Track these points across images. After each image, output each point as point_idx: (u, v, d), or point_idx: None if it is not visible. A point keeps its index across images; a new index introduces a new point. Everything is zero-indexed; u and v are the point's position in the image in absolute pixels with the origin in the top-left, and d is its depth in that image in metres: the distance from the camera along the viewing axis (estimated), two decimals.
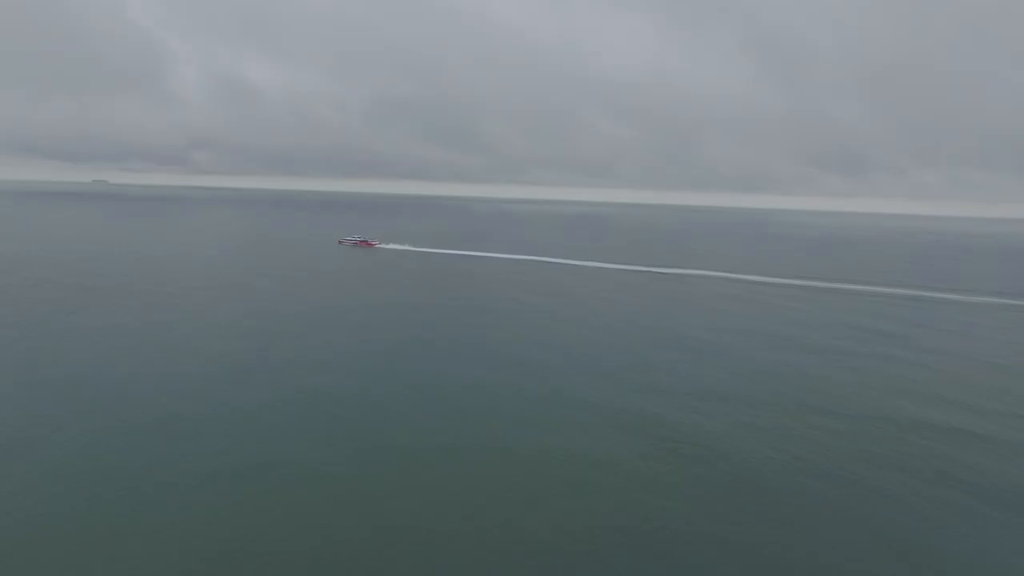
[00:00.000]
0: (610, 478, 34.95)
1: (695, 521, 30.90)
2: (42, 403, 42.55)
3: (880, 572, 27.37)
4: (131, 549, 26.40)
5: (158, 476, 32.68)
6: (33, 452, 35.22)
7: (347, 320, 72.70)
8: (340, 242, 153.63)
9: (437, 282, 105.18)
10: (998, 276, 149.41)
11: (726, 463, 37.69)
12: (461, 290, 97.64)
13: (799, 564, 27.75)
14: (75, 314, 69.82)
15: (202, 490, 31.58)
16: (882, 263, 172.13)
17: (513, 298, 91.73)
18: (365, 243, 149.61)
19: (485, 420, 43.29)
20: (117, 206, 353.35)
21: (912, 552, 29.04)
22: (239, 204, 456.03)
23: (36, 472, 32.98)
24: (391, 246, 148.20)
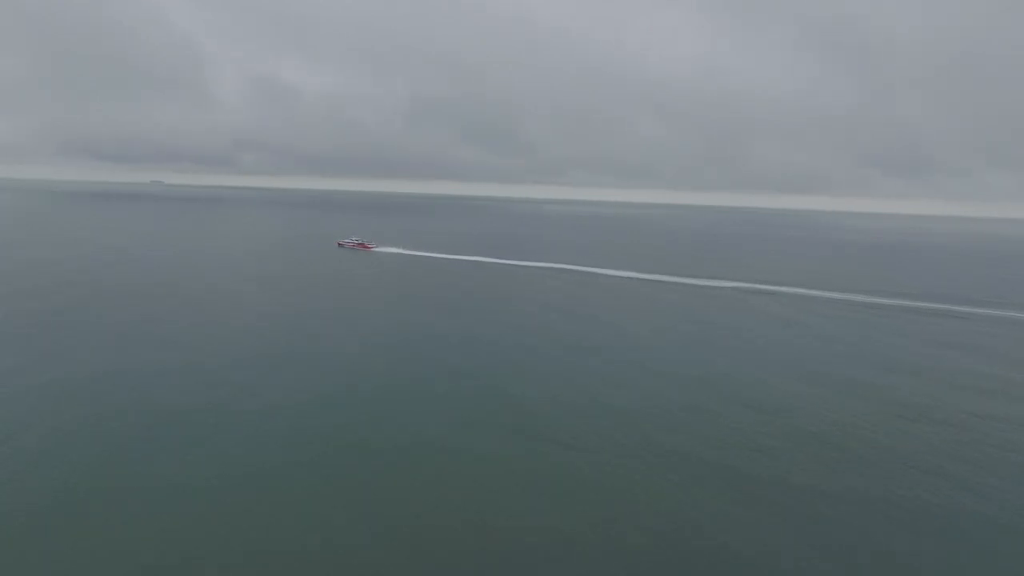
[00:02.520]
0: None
1: None
2: (42, 403, 43.30)
3: None
4: (128, 549, 26.90)
5: (159, 477, 33.12)
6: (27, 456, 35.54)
7: (308, 334, 62.99)
8: (340, 244, 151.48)
9: (426, 290, 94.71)
10: None
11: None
12: (448, 301, 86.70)
13: None
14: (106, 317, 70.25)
15: (198, 491, 31.80)
16: (951, 274, 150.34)
17: (505, 314, 79.98)
18: (362, 246, 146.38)
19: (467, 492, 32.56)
20: (176, 207, 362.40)
21: None
22: (276, 206, 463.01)
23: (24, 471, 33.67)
24: (387, 249, 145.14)
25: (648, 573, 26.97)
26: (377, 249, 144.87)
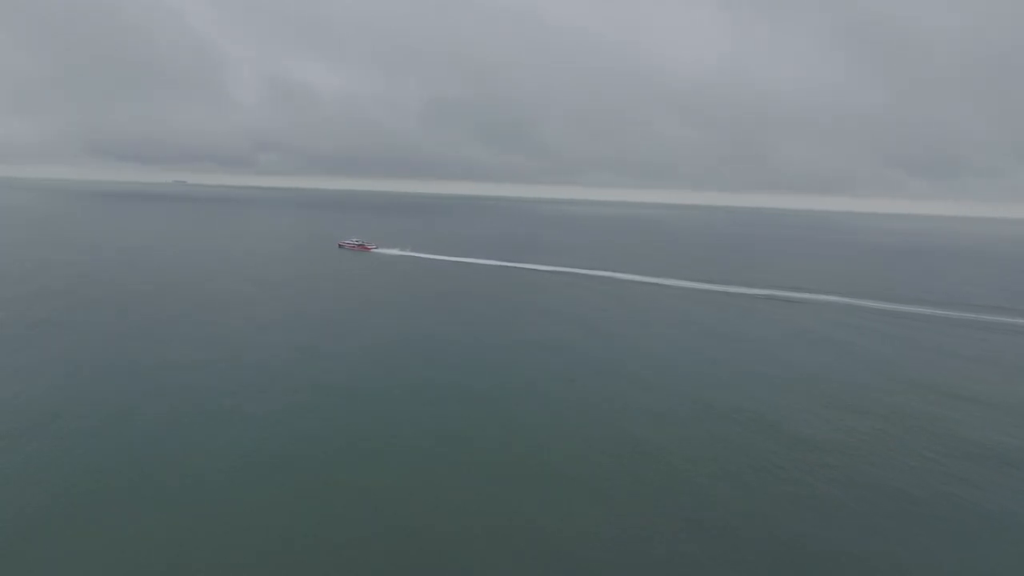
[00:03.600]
0: None
1: None
2: (47, 403, 42.99)
3: None
4: (133, 548, 26.76)
5: (162, 476, 33.01)
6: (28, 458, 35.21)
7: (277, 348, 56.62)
8: (340, 245, 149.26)
9: (421, 293, 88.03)
10: None
11: None
12: (444, 306, 79.71)
13: None
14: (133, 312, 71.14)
15: (200, 491, 31.71)
16: (996, 281, 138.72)
17: (500, 324, 72.63)
18: (362, 247, 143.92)
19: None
20: (193, 207, 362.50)
21: None
22: (290, 206, 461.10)
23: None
24: (387, 251, 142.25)
25: None
26: (377, 250, 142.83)
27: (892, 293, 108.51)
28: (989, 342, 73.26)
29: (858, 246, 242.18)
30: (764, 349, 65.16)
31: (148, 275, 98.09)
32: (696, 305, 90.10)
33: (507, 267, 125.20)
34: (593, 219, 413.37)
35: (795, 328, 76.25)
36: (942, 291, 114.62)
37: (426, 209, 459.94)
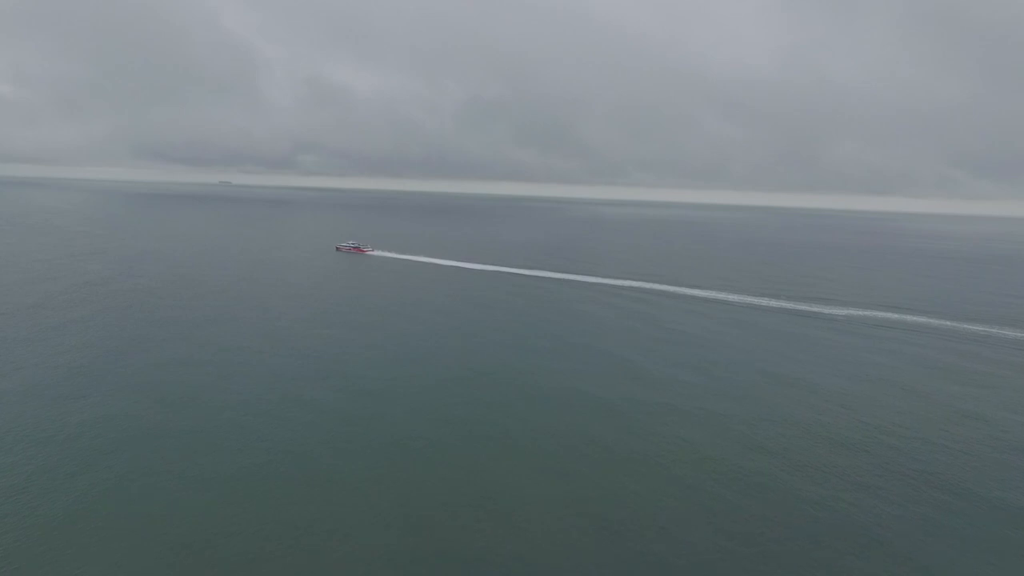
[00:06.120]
0: None
1: None
2: (55, 402, 41.59)
3: None
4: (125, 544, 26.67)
5: (164, 477, 32.16)
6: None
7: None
8: (338, 248, 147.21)
9: (405, 294, 71.50)
10: None
11: None
12: (432, 308, 61.84)
13: None
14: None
15: (205, 491, 30.94)
16: None
17: (487, 346, 53.57)
18: (358, 249, 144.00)
19: None
20: (238, 208, 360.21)
21: None
22: (323, 207, 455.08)
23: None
24: (381, 253, 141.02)
25: None
26: (372, 253, 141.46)
27: (980, 313, 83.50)
28: None
29: (948, 255, 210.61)
30: (866, 403, 43.76)
31: (151, 275, 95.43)
32: (770, 336, 68.30)
33: (505, 272, 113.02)
34: (632, 221, 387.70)
35: (890, 369, 53.92)
36: None
37: (455, 210, 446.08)
